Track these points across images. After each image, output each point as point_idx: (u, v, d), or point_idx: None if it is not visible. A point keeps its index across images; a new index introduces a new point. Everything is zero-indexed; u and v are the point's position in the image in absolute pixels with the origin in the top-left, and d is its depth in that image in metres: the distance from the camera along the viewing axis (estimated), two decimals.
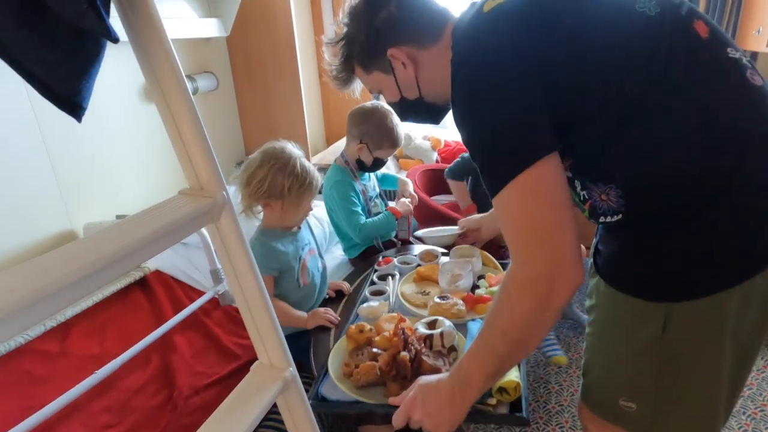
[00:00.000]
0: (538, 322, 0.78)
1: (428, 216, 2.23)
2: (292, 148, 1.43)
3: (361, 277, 1.68)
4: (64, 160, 1.90)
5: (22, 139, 1.77)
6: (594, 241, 0.97)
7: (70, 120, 1.84)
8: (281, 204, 1.39)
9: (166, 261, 1.93)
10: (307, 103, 3.00)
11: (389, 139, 1.89)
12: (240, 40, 2.83)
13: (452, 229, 1.66)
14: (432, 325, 1.21)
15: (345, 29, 1.02)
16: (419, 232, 1.63)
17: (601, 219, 0.85)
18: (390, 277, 1.55)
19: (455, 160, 2.19)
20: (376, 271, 1.61)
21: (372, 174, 2.10)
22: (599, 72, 0.75)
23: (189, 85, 2.40)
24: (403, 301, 1.43)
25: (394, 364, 1.06)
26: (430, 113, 1.07)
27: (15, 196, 1.76)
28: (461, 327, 1.26)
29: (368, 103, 1.94)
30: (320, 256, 1.62)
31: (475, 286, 1.44)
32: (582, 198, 0.87)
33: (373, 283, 1.55)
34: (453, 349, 1.16)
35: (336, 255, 2.18)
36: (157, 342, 1.48)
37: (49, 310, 0.43)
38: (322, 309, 1.46)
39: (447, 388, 0.87)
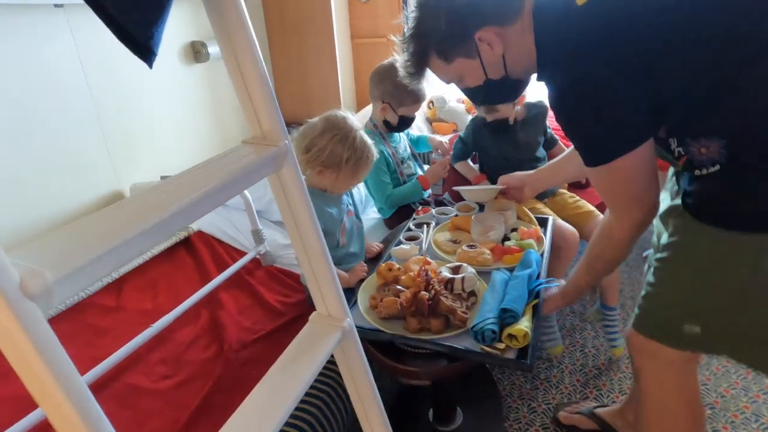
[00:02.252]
0: (628, 251, 1.10)
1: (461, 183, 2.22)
2: (353, 120, 1.45)
3: (402, 225, 1.74)
4: (112, 121, 1.96)
5: (73, 101, 1.82)
6: (680, 187, 1.06)
7: (117, 81, 1.95)
8: (337, 174, 1.42)
9: (208, 222, 2.00)
10: (342, 64, 2.96)
11: (410, 95, 1.87)
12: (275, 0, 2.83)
13: (493, 187, 1.67)
14: (456, 270, 1.30)
15: (416, 23, 1.05)
16: (459, 188, 1.66)
17: (697, 172, 0.93)
18: (425, 225, 1.63)
19: (454, 145, 2.16)
20: (414, 219, 1.70)
21: (403, 135, 2.11)
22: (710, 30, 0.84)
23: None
24: (434, 247, 1.50)
25: (414, 301, 1.16)
26: (515, 89, 1.14)
27: (65, 157, 1.82)
28: (485, 275, 1.33)
29: (385, 62, 1.92)
30: (358, 217, 1.65)
31: (506, 238, 1.50)
32: (676, 154, 0.95)
33: (409, 229, 1.63)
34: (473, 293, 1.25)
35: (371, 216, 2.23)
36: (205, 299, 1.59)
37: (138, 249, 0.47)
38: (358, 266, 1.52)
39: (560, 290, 1.27)
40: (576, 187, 2.22)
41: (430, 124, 3.13)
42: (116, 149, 2.00)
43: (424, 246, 1.52)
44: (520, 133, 2.00)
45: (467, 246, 1.42)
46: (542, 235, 1.51)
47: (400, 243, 1.54)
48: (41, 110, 1.72)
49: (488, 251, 1.40)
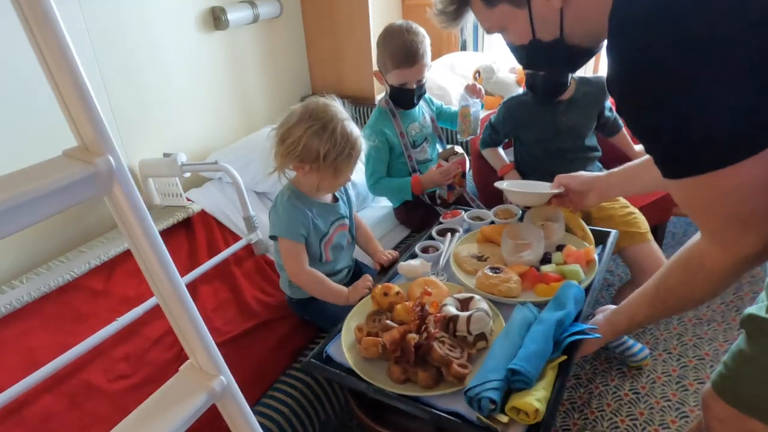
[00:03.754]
0: (721, 289, 0.80)
1: (490, 182, 1.83)
2: (337, 108, 1.22)
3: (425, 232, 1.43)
4: (121, 94, 1.83)
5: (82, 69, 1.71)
6: None
7: (126, 53, 1.68)
8: (316, 170, 1.21)
9: (212, 201, 1.87)
10: (380, 31, 2.60)
11: (391, 57, 1.60)
12: None
13: (545, 186, 1.28)
14: (466, 304, 1.02)
15: None
16: (503, 184, 1.33)
17: None
18: (450, 233, 1.33)
19: (484, 130, 1.79)
20: (439, 224, 1.40)
21: (427, 111, 1.78)
22: None
23: (249, 12, 2.15)
24: (453, 264, 1.20)
25: (400, 343, 0.92)
26: (570, 58, 0.87)
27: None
28: (506, 308, 1.04)
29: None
30: (351, 234, 1.42)
31: (546, 259, 1.17)
32: None
33: (430, 237, 1.35)
34: (482, 337, 0.95)
35: (381, 204, 1.95)
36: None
37: None
38: (362, 281, 1.27)
39: (607, 321, 0.98)
40: None
41: None
42: (125, 123, 1.86)
43: (442, 261, 1.24)
44: (563, 115, 1.61)
45: (490, 269, 1.11)
46: (595, 257, 1.16)
47: (414, 256, 1.28)
48: (44, 81, 1.62)
49: (516, 277, 1.09)
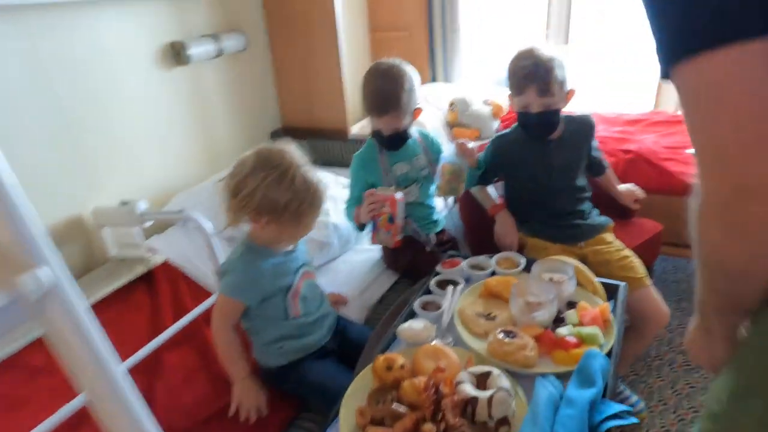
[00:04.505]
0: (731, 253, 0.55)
1: (478, 220, 1.74)
2: (294, 154, 1.13)
3: (420, 283, 1.30)
4: (72, 136, 1.65)
5: (27, 112, 1.53)
6: None
7: (79, 91, 1.50)
8: (275, 222, 1.11)
9: (177, 249, 1.69)
10: (352, 63, 2.56)
11: (364, 101, 1.52)
12: None
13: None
14: (483, 380, 0.91)
15: None
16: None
17: None
18: (451, 286, 1.22)
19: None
20: (437, 274, 1.29)
21: (421, 152, 1.63)
22: None
23: (212, 46, 1.95)
24: (458, 324, 1.08)
25: None
26: None
27: (19, 177, 1.52)
28: (523, 380, 0.92)
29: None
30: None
31: (558, 319, 1.07)
32: None
33: (428, 291, 1.24)
34: (504, 422, 0.83)
35: (364, 247, 1.80)
36: (147, 359, 1.27)
37: None
38: (258, 397, 1.15)
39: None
40: (618, 215, 1.76)
41: (451, 129, 2.70)
42: (77, 168, 1.68)
43: (446, 319, 1.12)
44: (554, 154, 1.55)
45: (503, 333, 1.00)
46: (611, 317, 1.07)
47: (412, 315, 1.15)
48: None
49: (533, 343, 0.98)
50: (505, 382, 0.87)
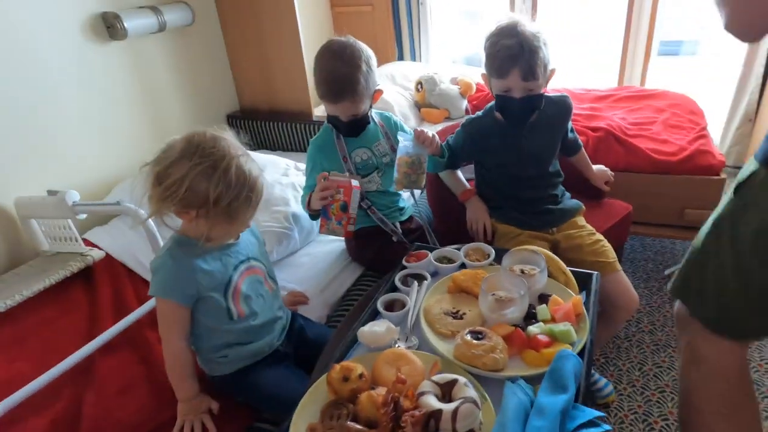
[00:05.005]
0: None
1: (447, 207, 1.65)
2: (229, 142, 1.00)
3: (384, 279, 1.18)
4: None
5: None
6: None
7: None
8: (204, 216, 0.98)
9: (120, 243, 1.54)
10: (313, 40, 2.39)
11: (317, 86, 1.37)
12: None
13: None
14: (448, 388, 0.83)
15: None
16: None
17: None
18: (416, 281, 1.12)
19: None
20: (402, 268, 1.18)
21: (383, 138, 1.50)
22: None
23: (153, 19, 1.70)
24: (424, 324, 0.99)
25: None
26: None
27: None
28: (491, 383, 0.85)
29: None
30: (270, 277, 1.18)
31: (530, 314, 0.99)
32: None
33: (393, 288, 1.14)
34: None
35: (328, 238, 1.66)
36: (79, 366, 1.13)
37: None
38: (200, 403, 1.04)
39: None
40: (588, 197, 1.70)
41: (419, 110, 2.60)
42: None
43: (410, 320, 1.03)
44: (526, 139, 1.46)
45: (471, 334, 0.92)
46: (585, 311, 1.00)
47: (375, 314, 1.06)
48: None
49: (502, 344, 0.90)
50: (471, 392, 0.79)
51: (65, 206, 1.40)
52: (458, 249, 1.21)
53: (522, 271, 1.06)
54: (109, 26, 1.76)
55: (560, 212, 1.52)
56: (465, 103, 2.55)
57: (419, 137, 1.34)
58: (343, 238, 1.60)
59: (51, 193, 1.45)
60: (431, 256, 1.19)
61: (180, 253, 1.02)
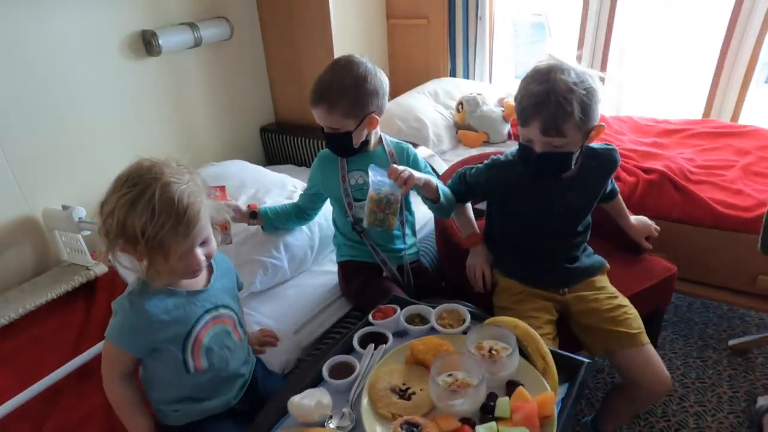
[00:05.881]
0: None
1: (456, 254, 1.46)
2: (167, 168, 0.90)
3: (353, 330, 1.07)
4: (18, 134, 1.55)
5: None
6: None
7: (24, 86, 1.54)
8: (144, 254, 0.89)
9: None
10: (366, 53, 2.29)
11: (312, 91, 1.30)
12: None
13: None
14: None
15: None
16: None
17: None
18: (373, 346, 1.00)
19: (454, 180, 1.40)
20: (368, 324, 1.06)
21: (389, 163, 1.37)
22: None
23: (189, 35, 1.76)
24: (364, 402, 0.87)
25: None
26: None
27: None
28: None
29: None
30: (241, 326, 1.09)
31: (487, 407, 0.83)
32: None
33: (348, 349, 1.02)
34: None
35: (322, 269, 1.60)
36: (51, 389, 1.14)
37: None
38: None
39: None
40: (623, 249, 1.49)
41: (456, 132, 2.44)
42: (24, 168, 1.58)
43: (353, 393, 0.91)
44: (560, 196, 1.26)
45: (406, 428, 0.78)
46: (555, 412, 0.83)
47: (318, 381, 0.96)
48: None
49: None
50: None
51: (73, 222, 1.45)
52: (433, 307, 1.08)
53: (491, 350, 0.92)
54: (147, 43, 1.83)
55: (576, 271, 1.32)
56: (507, 128, 2.37)
57: (391, 174, 1.19)
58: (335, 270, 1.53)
59: (65, 207, 1.51)
60: (401, 313, 1.07)
61: (139, 300, 0.94)
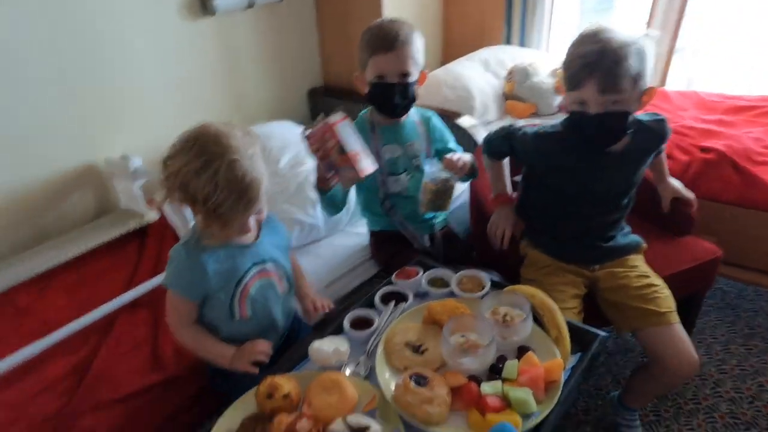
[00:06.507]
0: None
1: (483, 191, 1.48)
2: (235, 141, 0.92)
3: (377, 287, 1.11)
4: (84, 86, 1.66)
5: (38, 64, 1.54)
6: None
7: (89, 42, 1.64)
8: (201, 214, 0.95)
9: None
10: (421, 15, 2.38)
11: (367, 44, 1.29)
12: None
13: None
14: None
15: None
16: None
17: None
18: (393, 303, 1.05)
19: (496, 137, 1.35)
20: (390, 283, 1.11)
21: (422, 132, 1.41)
22: None
23: None
24: (379, 353, 0.92)
25: None
26: None
27: (28, 126, 1.57)
28: None
29: None
30: (288, 281, 1.13)
31: (495, 368, 0.87)
32: None
33: (370, 304, 1.08)
34: None
35: (355, 231, 1.65)
36: (105, 320, 1.27)
37: None
38: (252, 345, 1.01)
39: None
40: (668, 229, 1.43)
41: (505, 101, 2.36)
42: (89, 118, 1.69)
43: (371, 345, 0.96)
44: (608, 170, 1.22)
45: (414, 378, 0.84)
46: (561, 378, 0.85)
47: (339, 330, 1.02)
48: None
49: (443, 396, 0.81)
50: None
51: (129, 171, 1.57)
52: (455, 272, 1.11)
53: (504, 317, 0.94)
54: (202, 4, 1.89)
55: (610, 250, 1.29)
56: (558, 99, 2.28)
57: (448, 165, 1.24)
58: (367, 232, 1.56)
59: (123, 157, 1.64)
60: (423, 276, 1.11)
61: (194, 248, 1.00)
